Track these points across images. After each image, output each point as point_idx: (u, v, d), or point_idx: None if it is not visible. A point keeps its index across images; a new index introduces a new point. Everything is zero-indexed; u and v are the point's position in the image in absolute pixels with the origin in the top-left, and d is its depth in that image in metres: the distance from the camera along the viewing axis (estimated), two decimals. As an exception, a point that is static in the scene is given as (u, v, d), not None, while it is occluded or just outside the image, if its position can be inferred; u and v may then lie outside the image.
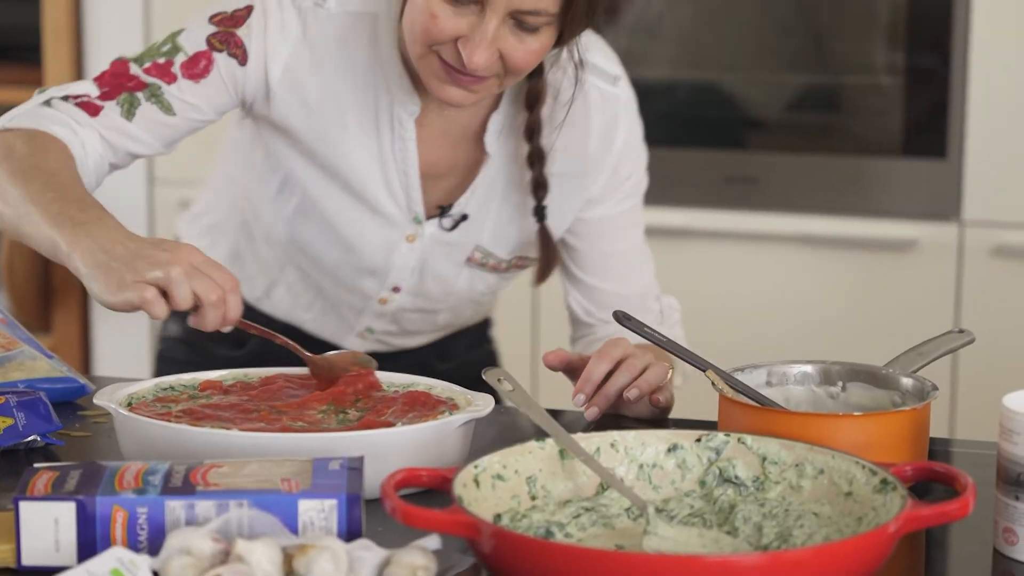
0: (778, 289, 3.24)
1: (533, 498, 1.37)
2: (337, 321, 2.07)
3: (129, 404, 1.57)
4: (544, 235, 1.94)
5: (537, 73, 1.85)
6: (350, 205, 1.92)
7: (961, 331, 1.69)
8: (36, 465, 1.34)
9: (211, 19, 1.84)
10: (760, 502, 1.37)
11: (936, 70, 3.09)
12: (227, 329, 1.58)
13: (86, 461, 1.36)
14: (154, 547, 1.26)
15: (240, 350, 2.10)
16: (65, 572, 1.21)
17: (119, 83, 1.82)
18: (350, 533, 1.28)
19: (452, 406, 1.58)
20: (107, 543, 1.26)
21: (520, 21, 1.72)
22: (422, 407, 1.58)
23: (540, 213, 1.93)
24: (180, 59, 1.82)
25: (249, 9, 1.84)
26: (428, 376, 1.67)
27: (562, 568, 1.18)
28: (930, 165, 3.12)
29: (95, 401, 1.56)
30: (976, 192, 3.09)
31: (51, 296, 3.64)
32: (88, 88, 1.81)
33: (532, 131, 1.89)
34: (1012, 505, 1.34)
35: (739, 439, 1.41)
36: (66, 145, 1.75)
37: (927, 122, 3.12)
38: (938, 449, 1.68)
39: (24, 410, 1.63)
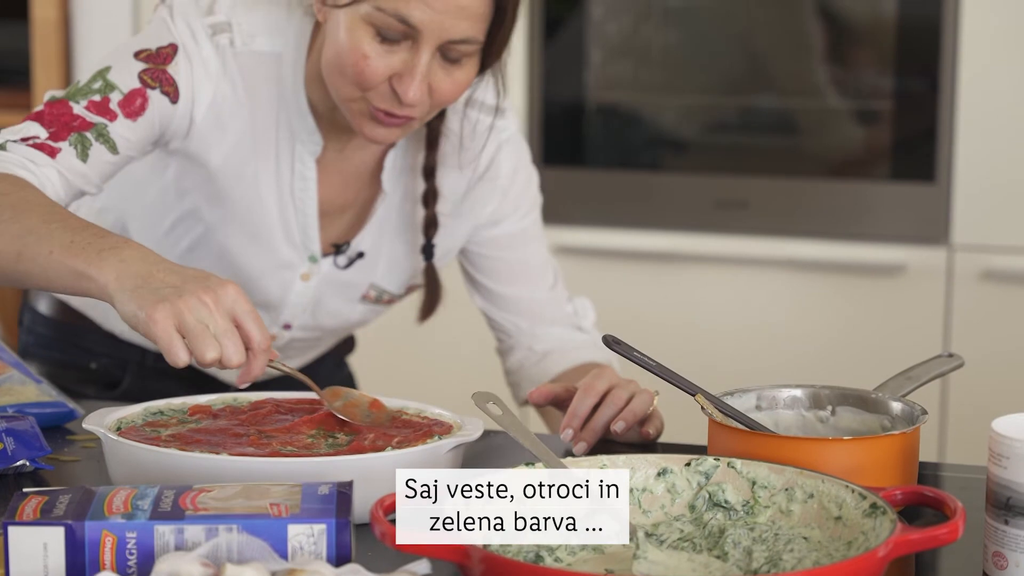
0: (767, 313, 3.24)
1: (523, 522, 1.37)
2: None
3: (118, 429, 1.57)
4: (431, 273, 1.97)
5: (439, 112, 1.86)
6: (247, 242, 1.92)
7: (950, 355, 1.69)
8: (25, 490, 1.34)
9: (136, 55, 1.80)
10: (750, 526, 1.37)
11: (925, 94, 3.10)
12: (243, 386, 1.54)
13: (75, 486, 1.36)
14: (143, 572, 1.26)
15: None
16: (54, 597, 1.21)
17: (64, 123, 1.76)
18: (339, 558, 1.28)
19: (442, 430, 1.58)
20: (96, 568, 1.26)
21: (446, 53, 1.74)
22: (412, 431, 1.58)
23: (428, 251, 1.96)
24: (116, 97, 1.78)
25: (174, 47, 1.81)
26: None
27: (552, 593, 1.18)
28: (919, 189, 3.13)
29: (84, 426, 1.55)
30: (965, 216, 3.10)
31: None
32: (36, 130, 1.75)
33: (430, 169, 1.92)
34: (1002, 529, 1.34)
35: (729, 463, 1.41)
36: (34, 185, 1.69)
37: (916, 146, 3.12)
38: (928, 473, 1.69)
39: (13, 435, 1.62)
